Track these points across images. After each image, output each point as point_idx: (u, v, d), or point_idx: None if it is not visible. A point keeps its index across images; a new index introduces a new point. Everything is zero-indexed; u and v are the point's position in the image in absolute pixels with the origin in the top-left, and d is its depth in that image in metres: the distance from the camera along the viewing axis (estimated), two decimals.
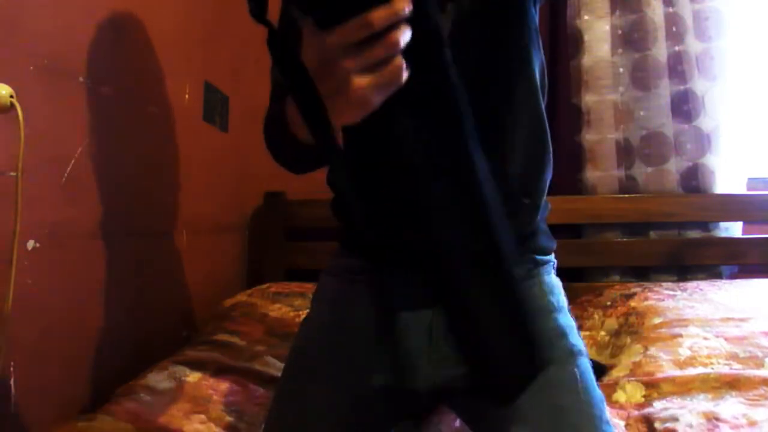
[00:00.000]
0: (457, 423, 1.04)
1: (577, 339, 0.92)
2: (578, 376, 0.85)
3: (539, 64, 0.91)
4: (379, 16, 0.53)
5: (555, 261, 1.01)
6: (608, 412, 1.04)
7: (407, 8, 0.54)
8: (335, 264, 1.00)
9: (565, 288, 1.81)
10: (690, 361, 1.18)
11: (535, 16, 0.89)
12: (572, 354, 0.88)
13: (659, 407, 1.05)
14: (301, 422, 0.82)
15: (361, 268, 0.95)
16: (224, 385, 1.16)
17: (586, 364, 0.88)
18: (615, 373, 1.21)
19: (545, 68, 0.93)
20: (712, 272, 1.81)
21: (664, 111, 1.80)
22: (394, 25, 0.54)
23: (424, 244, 0.68)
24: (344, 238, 1.03)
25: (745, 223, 1.83)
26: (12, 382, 0.91)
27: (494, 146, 0.78)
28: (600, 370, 1.25)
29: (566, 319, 0.94)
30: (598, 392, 0.86)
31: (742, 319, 1.31)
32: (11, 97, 0.85)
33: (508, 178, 0.88)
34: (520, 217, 0.92)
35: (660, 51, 1.80)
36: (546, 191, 0.95)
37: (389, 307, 0.89)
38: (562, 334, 0.90)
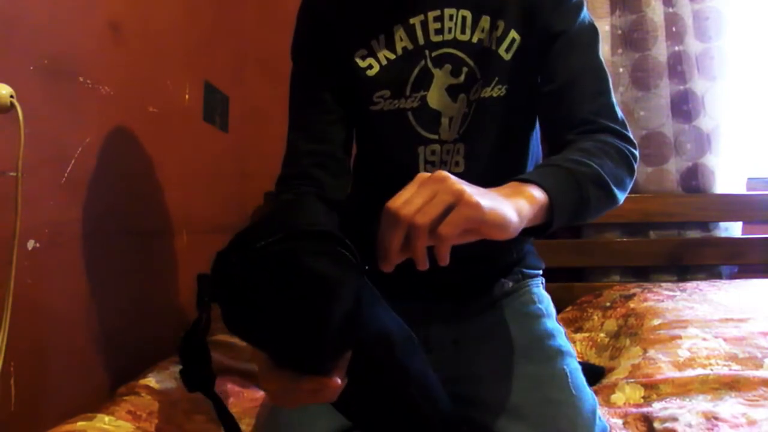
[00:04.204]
0: None
1: (565, 341, 0.96)
2: (568, 374, 0.88)
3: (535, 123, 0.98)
4: (309, 386, 0.58)
5: (543, 279, 1.08)
6: (606, 412, 1.05)
7: (338, 385, 0.58)
8: None
9: (564, 288, 1.81)
10: (689, 363, 1.17)
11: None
12: (560, 353, 0.91)
13: (658, 407, 1.05)
14: (299, 417, 0.83)
15: None
16: (225, 386, 1.17)
17: (574, 364, 0.91)
18: (614, 375, 1.21)
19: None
20: (711, 272, 1.82)
21: (664, 111, 1.80)
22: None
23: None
24: None
25: (744, 223, 1.83)
26: (12, 382, 0.91)
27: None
28: (597, 373, 1.26)
29: (554, 324, 0.98)
30: (588, 390, 0.89)
31: (741, 320, 1.31)
32: (11, 97, 0.85)
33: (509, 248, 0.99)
34: (509, 255, 1.01)
35: (660, 51, 1.80)
36: None
37: None
38: (550, 335, 0.94)
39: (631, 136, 0.89)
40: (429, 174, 0.60)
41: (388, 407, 0.71)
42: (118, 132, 1.23)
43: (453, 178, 0.58)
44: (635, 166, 0.85)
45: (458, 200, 0.57)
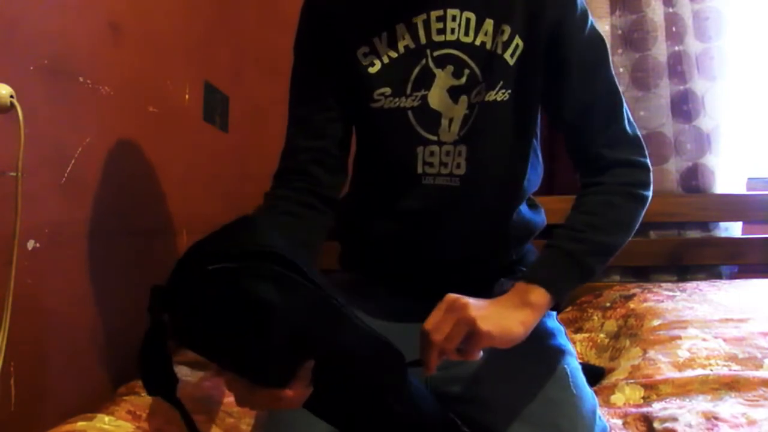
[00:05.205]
0: None
1: (565, 340, 0.96)
2: (568, 373, 0.88)
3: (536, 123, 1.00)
4: (264, 397, 0.62)
5: None
6: (606, 412, 1.05)
7: (291, 396, 0.62)
8: (332, 277, 1.02)
9: None
10: (689, 363, 1.17)
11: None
12: (561, 353, 0.92)
13: (658, 407, 1.06)
14: (298, 416, 0.83)
15: (357, 281, 1.03)
16: (223, 387, 1.16)
17: (575, 363, 0.91)
18: (614, 376, 1.21)
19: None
20: (711, 272, 1.81)
21: (664, 111, 1.80)
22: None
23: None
24: (344, 258, 1.10)
25: (744, 223, 1.82)
26: (12, 382, 0.91)
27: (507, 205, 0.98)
28: (597, 373, 1.26)
29: (554, 323, 0.99)
30: (588, 389, 0.90)
31: (741, 320, 1.31)
32: (11, 97, 0.85)
33: (508, 248, 1.01)
34: (509, 255, 1.02)
35: (660, 51, 1.80)
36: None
37: (384, 315, 0.93)
38: (550, 334, 0.95)
39: (644, 159, 0.93)
40: (453, 298, 0.76)
41: (365, 415, 0.73)
42: (118, 132, 1.23)
43: (471, 305, 0.75)
44: (647, 193, 0.91)
45: (473, 329, 0.74)
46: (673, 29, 1.80)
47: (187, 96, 1.53)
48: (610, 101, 0.92)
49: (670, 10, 1.80)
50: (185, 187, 1.53)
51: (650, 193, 0.92)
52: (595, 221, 0.87)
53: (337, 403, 0.70)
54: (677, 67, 1.80)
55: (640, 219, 0.90)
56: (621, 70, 1.82)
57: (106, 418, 0.97)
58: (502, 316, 0.77)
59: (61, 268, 1.05)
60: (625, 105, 0.94)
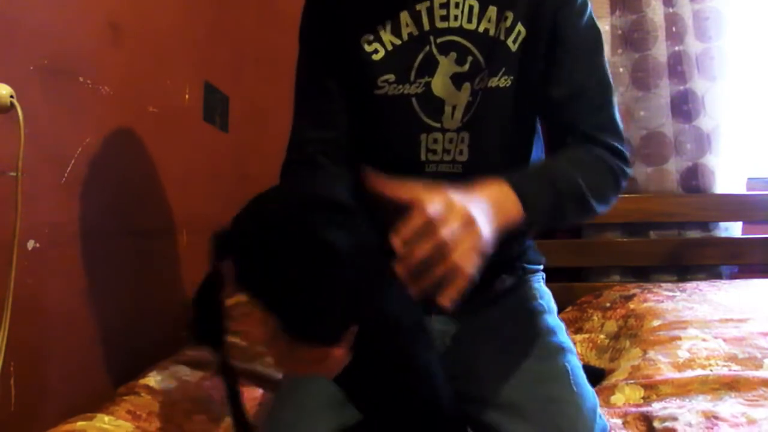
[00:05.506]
0: None
1: (565, 338, 0.96)
2: (569, 371, 0.88)
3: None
4: (312, 355, 0.61)
5: (544, 274, 1.08)
6: (606, 412, 1.05)
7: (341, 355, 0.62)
8: None
9: (564, 288, 1.81)
10: (689, 363, 1.17)
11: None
12: (561, 350, 0.92)
13: (658, 407, 1.05)
14: (299, 416, 0.83)
15: None
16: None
17: (575, 361, 0.91)
18: (614, 377, 1.21)
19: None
20: (711, 272, 1.81)
21: (664, 111, 1.80)
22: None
23: None
24: None
25: (744, 223, 1.83)
26: (12, 382, 0.91)
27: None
28: (597, 374, 1.25)
29: (555, 321, 0.98)
30: (588, 387, 0.89)
31: (741, 320, 1.31)
32: (11, 97, 0.85)
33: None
34: (509, 249, 0.99)
35: (660, 51, 1.80)
36: None
37: None
38: (551, 332, 0.95)
39: (626, 151, 0.92)
40: (462, 211, 0.62)
41: (390, 394, 0.72)
42: (118, 132, 1.23)
43: (482, 229, 0.63)
44: (623, 184, 0.90)
45: (481, 249, 0.63)
46: (673, 29, 1.80)
47: (187, 96, 1.53)
48: (600, 89, 0.92)
49: (670, 10, 1.80)
50: (185, 187, 1.53)
51: (624, 186, 0.91)
52: (581, 169, 0.84)
53: (369, 377, 0.69)
54: (677, 67, 1.80)
55: (608, 206, 0.88)
56: (621, 70, 1.82)
57: (106, 418, 0.97)
58: (488, 230, 0.66)
59: (61, 268, 1.05)
60: (614, 99, 0.93)
